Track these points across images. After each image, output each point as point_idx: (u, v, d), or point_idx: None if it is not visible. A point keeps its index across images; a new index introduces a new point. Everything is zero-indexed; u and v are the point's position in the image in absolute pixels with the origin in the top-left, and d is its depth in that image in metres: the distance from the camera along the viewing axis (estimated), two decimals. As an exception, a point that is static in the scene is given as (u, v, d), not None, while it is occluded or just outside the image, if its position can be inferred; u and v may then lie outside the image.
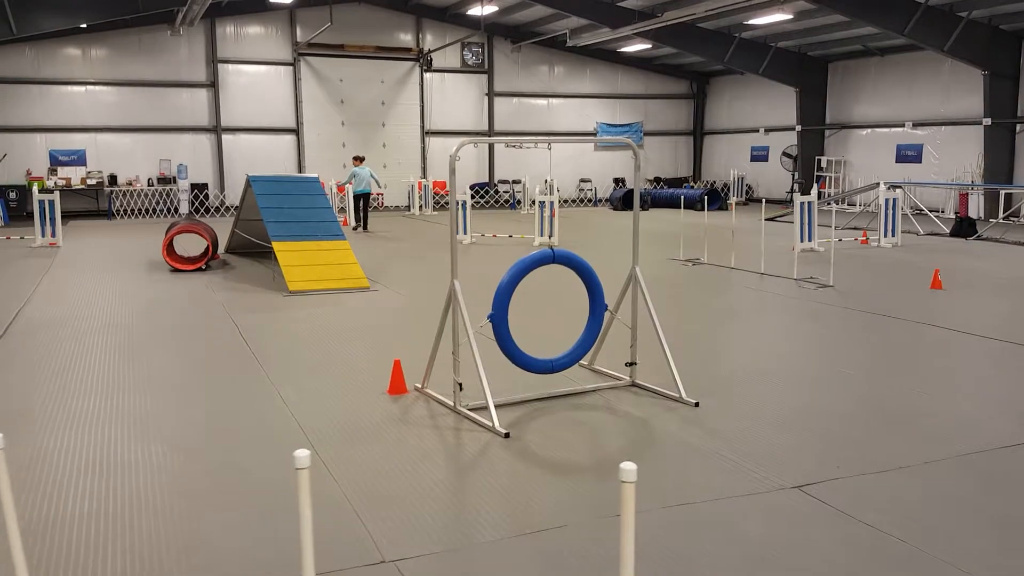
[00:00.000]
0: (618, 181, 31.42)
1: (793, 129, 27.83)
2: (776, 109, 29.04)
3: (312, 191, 12.57)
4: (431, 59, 27.68)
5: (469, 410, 5.83)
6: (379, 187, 24.04)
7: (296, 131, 26.84)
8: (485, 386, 5.63)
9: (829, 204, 25.32)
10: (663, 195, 27.49)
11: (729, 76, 30.95)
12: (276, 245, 11.44)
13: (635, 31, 23.64)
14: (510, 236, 18.29)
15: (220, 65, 25.73)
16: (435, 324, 6.40)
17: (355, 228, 19.85)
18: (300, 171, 26.88)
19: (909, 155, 24.79)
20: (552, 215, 16.45)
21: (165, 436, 5.42)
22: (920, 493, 4.48)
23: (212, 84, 25.71)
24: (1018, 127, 21.67)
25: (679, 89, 32.36)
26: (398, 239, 18.30)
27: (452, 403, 5.96)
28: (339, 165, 26.77)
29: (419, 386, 6.41)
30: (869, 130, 26.20)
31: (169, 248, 13.37)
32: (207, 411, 5.96)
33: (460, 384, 5.90)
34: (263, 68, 26.34)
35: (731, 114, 31.69)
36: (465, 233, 17.25)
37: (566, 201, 29.55)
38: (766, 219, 13.39)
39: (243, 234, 14.21)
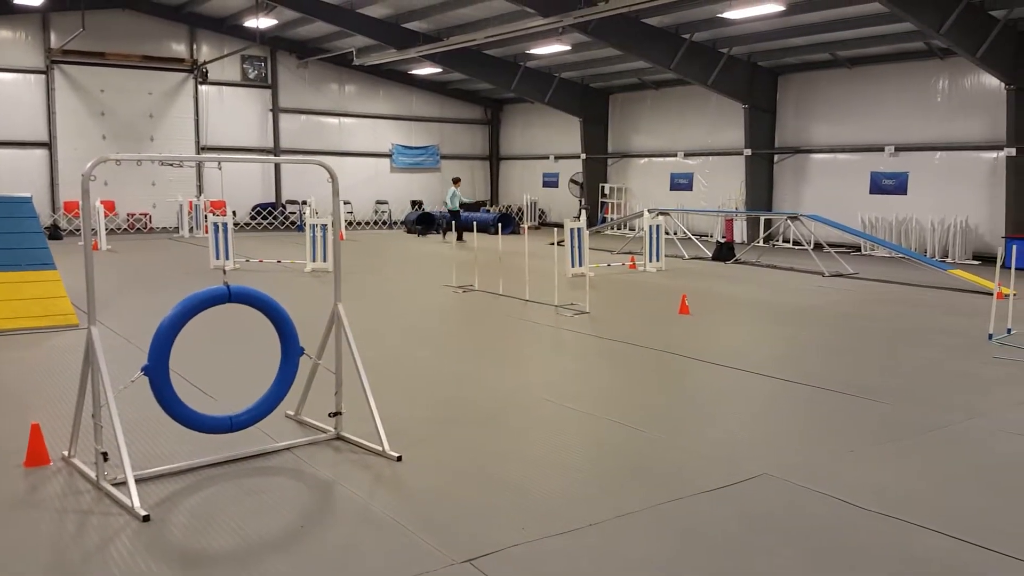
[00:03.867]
0: (416, 203, 30.94)
1: (579, 157, 28.53)
2: (564, 137, 29.71)
3: (20, 213, 10.80)
4: (206, 71, 25.78)
5: (114, 485, 4.79)
6: (449, 205, 23.99)
7: (48, 145, 23.98)
8: (124, 457, 4.63)
9: (612, 229, 26.18)
10: (461, 218, 27.18)
11: (520, 104, 31.37)
12: (-35, 276, 9.65)
13: (421, 53, 23.20)
14: (279, 261, 17.06)
15: (-43, 71, 22.52)
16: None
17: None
18: (53, 189, 24.02)
19: (682, 183, 26.07)
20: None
21: None
22: (598, 558, 4.01)
23: (-55, 91, 22.43)
24: (776, 157, 23.33)
25: (474, 114, 32.43)
26: (149, 264, 16.54)
27: (96, 477, 4.89)
28: (100, 183, 24.16)
29: (66, 454, 5.27)
30: (647, 159, 27.34)
31: None
32: None
33: (104, 454, 4.85)
34: (10, 76, 23.36)
35: (524, 140, 32.14)
36: (227, 258, 15.84)
37: (360, 223, 28.60)
38: (551, 244, 13.28)
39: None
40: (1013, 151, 17.61)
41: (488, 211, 30.13)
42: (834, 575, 3.91)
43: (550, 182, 31.10)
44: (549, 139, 30.71)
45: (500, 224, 15.15)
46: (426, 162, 31.36)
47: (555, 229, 14.62)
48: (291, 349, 5.59)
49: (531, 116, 31.33)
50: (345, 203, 26.93)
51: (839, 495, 4.83)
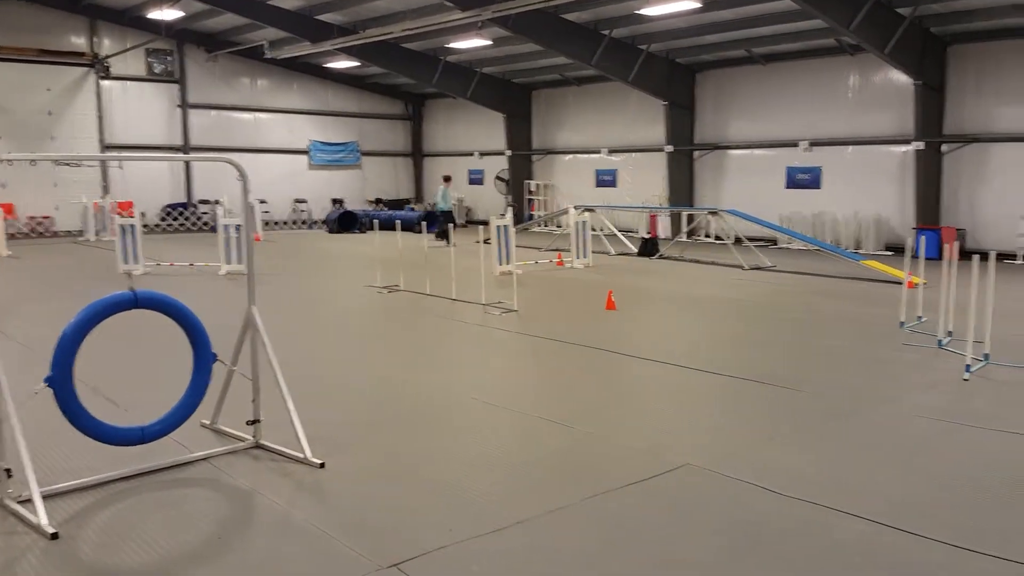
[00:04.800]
0: (337, 202, 30.51)
1: (503, 153, 28.62)
2: (488, 133, 29.75)
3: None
4: (108, 65, 24.82)
5: (19, 503, 4.59)
6: (441, 205, 23.02)
7: (-66, 144, 22.72)
8: (29, 473, 4.45)
9: (539, 226, 26.36)
10: (383, 216, 26.94)
11: (443, 99, 31.27)
12: None
13: (336, 47, 22.86)
14: (191, 265, 16.58)
15: None
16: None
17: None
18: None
19: (606, 180, 26.46)
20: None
21: None
22: (526, 555, 4.06)
23: None
24: (695, 153, 23.90)
25: (394, 110, 32.19)
26: (53, 269, 15.85)
27: (-2, 495, 4.68)
28: (-5, 184, 23.01)
29: (-36, 473, 5.02)
30: (571, 156, 27.63)
31: None
32: None
33: (8, 470, 4.64)
34: None
35: (447, 137, 32.06)
36: (136, 262, 15.31)
37: (278, 223, 28.03)
38: (477, 242, 13.31)
39: None
40: (921, 145, 18.51)
41: (412, 209, 29.97)
42: (758, 562, 4.06)
43: (475, 179, 31.08)
44: (473, 135, 30.71)
45: (425, 222, 15.04)
46: (346, 159, 30.98)
47: (480, 227, 14.68)
48: (203, 356, 5.46)
49: (454, 112, 31.28)
50: (261, 202, 26.36)
51: (760, 482, 5.00)
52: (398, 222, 15.44)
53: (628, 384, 7.64)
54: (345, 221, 26.25)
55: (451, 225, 15.30)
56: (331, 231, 26.06)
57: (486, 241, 15.45)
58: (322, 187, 30.31)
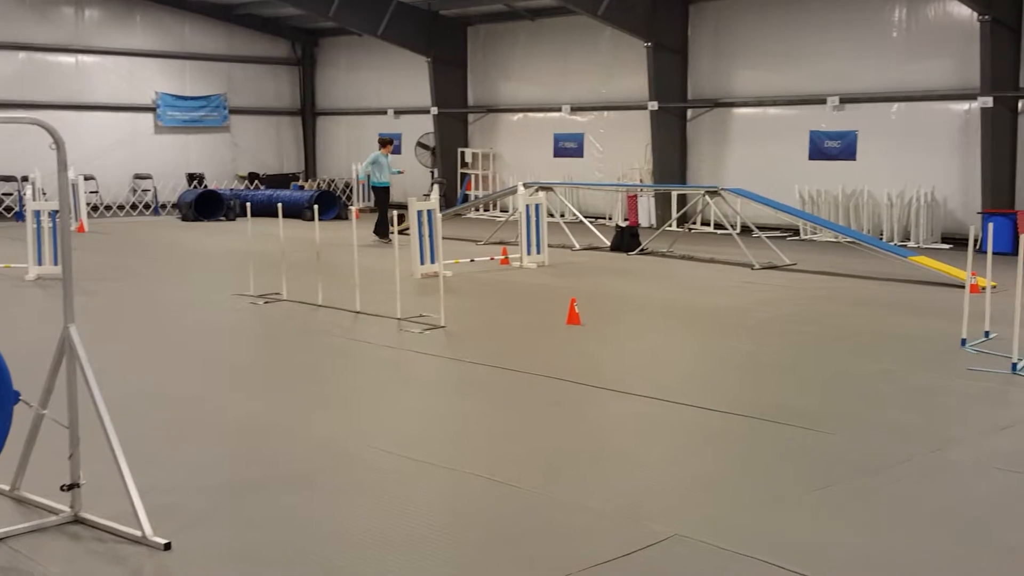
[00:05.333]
0: (195, 178, 30.19)
1: (428, 112, 28.61)
2: (407, 84, 29.75)
3: None
4: None
5: None
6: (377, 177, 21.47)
7: None
8: None
9: (477, 210, 26.41)
10: (260, 198, 26.62)
11: (344, 37, 31.20)
12: None
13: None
14: (-13, 267, 16.25)
15: None
16: None
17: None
18: None
19: (569, 147, 26.65)
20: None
21: None
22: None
23: None
24: (689, 113, 24.21)
25: (277, 51, 32.10)
26: None
27: None
28: None
29: None
30: (521, 114, 27.76)
31: None
32: None
33: None
34: None
35: (350, 89, 32.00)
36: (-94, 264, 14.88)
37: (111, 208, 27.61)
38: (391, 233, 13.24)
39: None
40: (989, 101, 18.89)
41: (301, 188, 29.76)
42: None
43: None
44: (386, 87, 30.68)
45: (318, 206, 14.90)
46: (208, 118, 30.71)
47: (395, 213, 14.65)
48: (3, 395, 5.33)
49: (360, 55, 31.19)
50: (87, 179, 25.86)
51: (774, 559, 5.04)
52: (280, 205, 15.27)
53: (597, 426, 7.65)
54: (206, 204, 25.95)
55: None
56: (187, 218, 25.78)
57: (403, 231, 15.38)
58: (174, 158, 30.02)
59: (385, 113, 30.79)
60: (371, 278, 13.51)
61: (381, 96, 30.92)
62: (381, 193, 21.35)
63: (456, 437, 7.37)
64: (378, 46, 29.15)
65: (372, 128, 31.27)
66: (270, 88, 32.07)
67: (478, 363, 9.60)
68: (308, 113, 33.05)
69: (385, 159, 21.19)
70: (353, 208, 22.29)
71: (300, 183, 31.23)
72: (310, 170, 32.97)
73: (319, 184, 31.25)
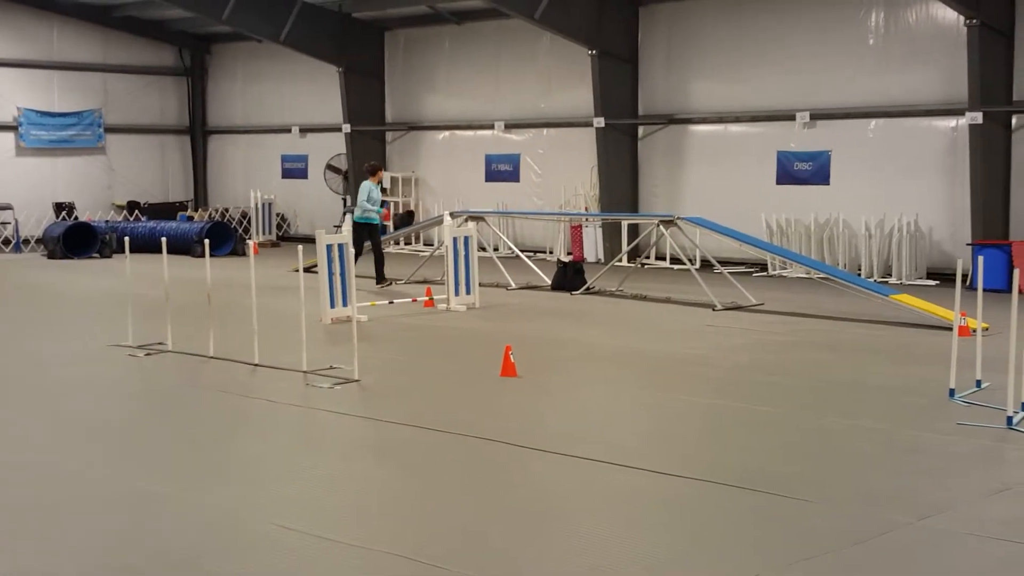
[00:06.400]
0: (63, 208, 29.79)
1: (339, 130, 28.58)
2: (315, 99, 29.85)
3: None
4: None
5: None
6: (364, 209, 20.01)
7: None
8: None
9: (396, 244, 26.34)
10: (142, 231, 26.33)
11: (241, 43, 31.18)
12: None
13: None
14: None
15: None
16: None
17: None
18: None
19: (503, 170, 26.78)
20: None
21: None
22: None
23: None
24: (640, 130, 24.43)
25: (162, 60, 32.14)
26: None
27: None
28: None
29: None
30: (448, 132, 27.85)
31: None
32: None
33: None
34: None
35: (248, 103, 32.04)
36: None
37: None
38: (295, 270, 13.14)
39: None
40: (979, 116, 19.10)
41: (190, 219, 29.54)
42: None
43: (295, 170, 31.20)
44: (291, 101, 30.75)
45: (209, 240, 14.76)
46: (79, 138, 30.63)
47: (300, 247, 14.51)
48: None
49: (259, 64, 31.24)
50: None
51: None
52: (164, 239, 15.12)
53: (535, 495, 7.61)
54: (77, 239, 25.66)
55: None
56: (54, 255, 25.53)
57: (309, 269, 15.27)
58: (39, 184, 29.95)
59: (289, 131, 30.81)
60: (272, 324, 13.42)
61: (284, 112, 30.89)
62: (375, 231, 20.07)
63: (371, 510, 7.30)
64: (281, 54, 29.14)
65: (273, 149, 31.28)
66: (153, 103, 32.04)
67: (397, 423, 9.54)
68: (198, 132, 32.88)
69: (377, 189, 20.15)
70: (251, 242, 22.07)
71: (188, 213, 31.02)
72: (200, 198, 32.74)
73: (211, 214, 30.98)
